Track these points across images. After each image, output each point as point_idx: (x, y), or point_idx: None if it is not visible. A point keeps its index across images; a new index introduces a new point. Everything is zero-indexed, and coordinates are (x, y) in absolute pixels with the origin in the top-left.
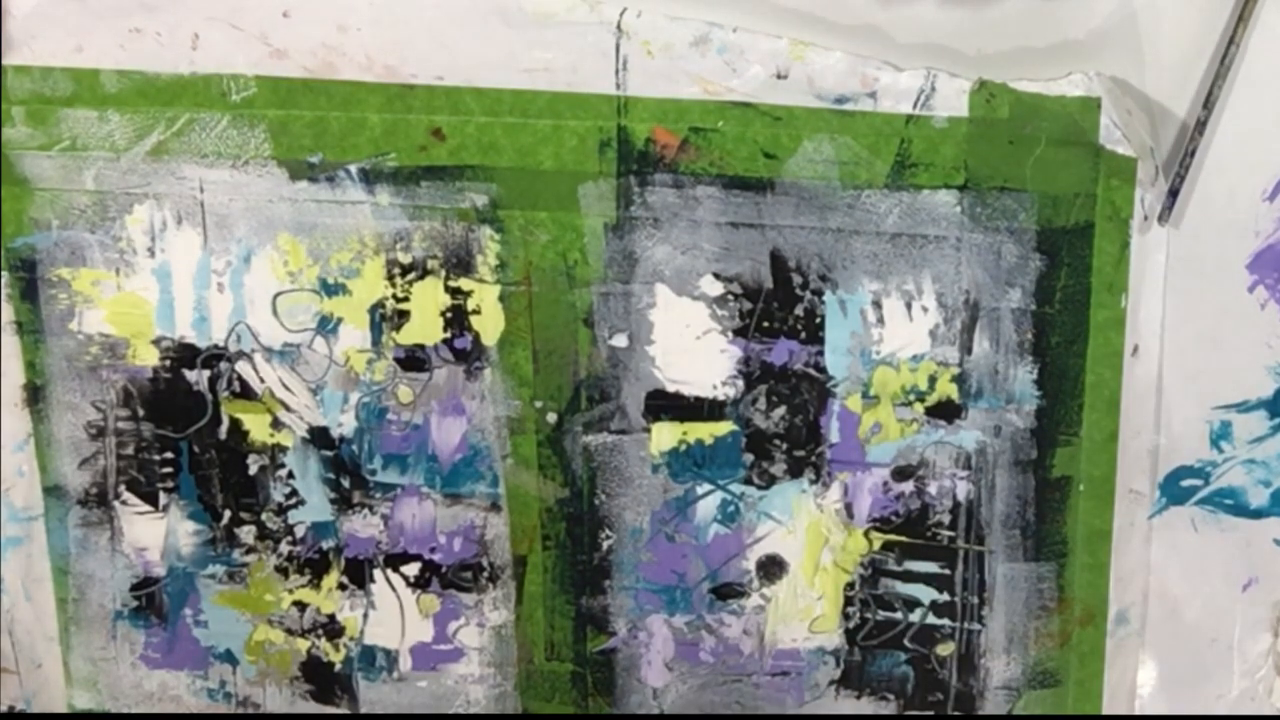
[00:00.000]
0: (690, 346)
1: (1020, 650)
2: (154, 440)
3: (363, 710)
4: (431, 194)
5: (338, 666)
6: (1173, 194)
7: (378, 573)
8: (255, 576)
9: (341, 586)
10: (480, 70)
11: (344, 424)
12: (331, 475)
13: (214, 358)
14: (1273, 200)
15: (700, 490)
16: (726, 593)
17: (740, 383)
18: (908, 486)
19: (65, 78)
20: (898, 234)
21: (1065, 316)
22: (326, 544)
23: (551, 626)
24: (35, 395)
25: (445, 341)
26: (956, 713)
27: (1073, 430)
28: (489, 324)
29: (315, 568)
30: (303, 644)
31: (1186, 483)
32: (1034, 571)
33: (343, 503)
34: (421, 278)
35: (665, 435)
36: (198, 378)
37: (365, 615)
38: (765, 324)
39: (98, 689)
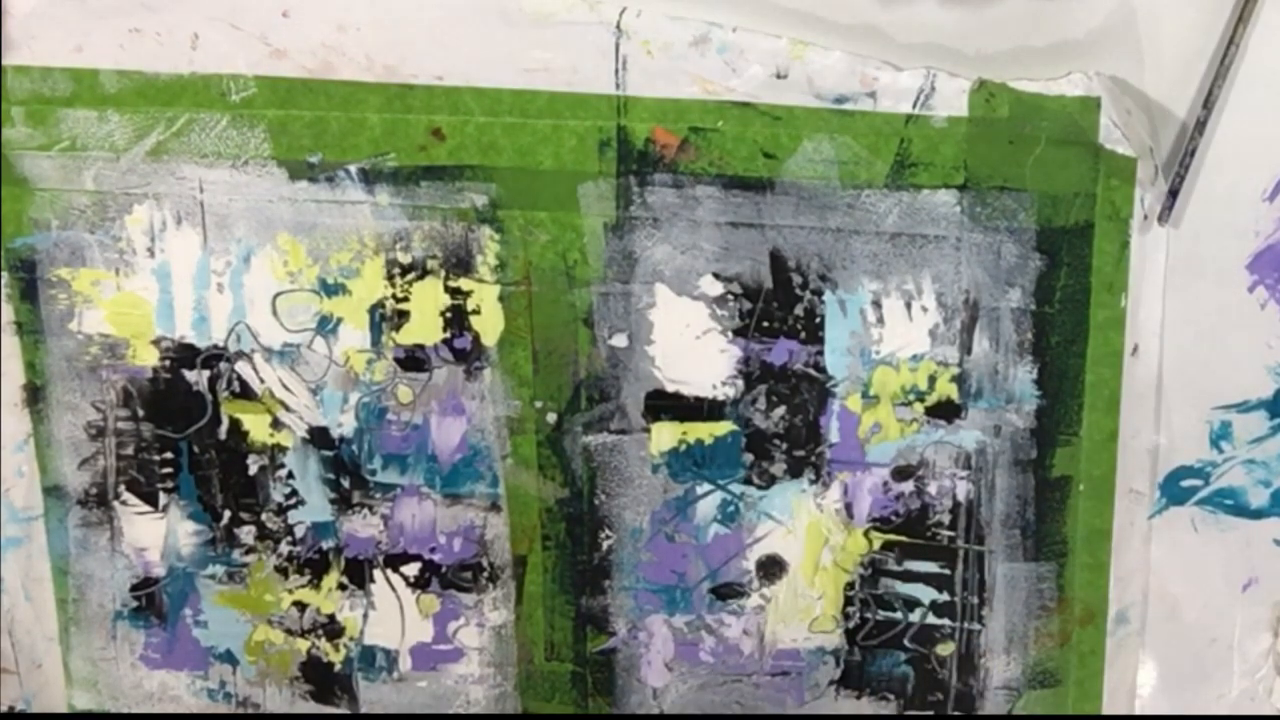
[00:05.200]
0: (690, 346)
1: (1020, 650)
2: (154, 440)
3: (363, 710)
4: (431, 194)
5: (338, 666)
6: (1173, 194)
7: (378, 573)
8: (255, 577)
9: (341, 587)
10: (480, 70)
11: (344, 424)
12: (331, 475)
13: (214, 358)
14: (1273, 200)
15: (700, 490)
16: (726, 593)
17: (740, 383)
18: (907, 486)
19: (65, 78)
20: (897, 234)
21: (1065, 316)
22: (326, 544)
23: (551, 626)
24: (35, 395)
25: (445, 341)
26: (956, 713)
27: (1072, 430)
28: (489, 324)
29: (315, 568)
30: (303, 644)
31: (1186, 483)
32: (1034, 571)
33: (343, 503)
34: (421, 278)
35: (665, 435)
36: (197, 378)
37: (365, 615)
38: (765, 324)
39: (98, 689)
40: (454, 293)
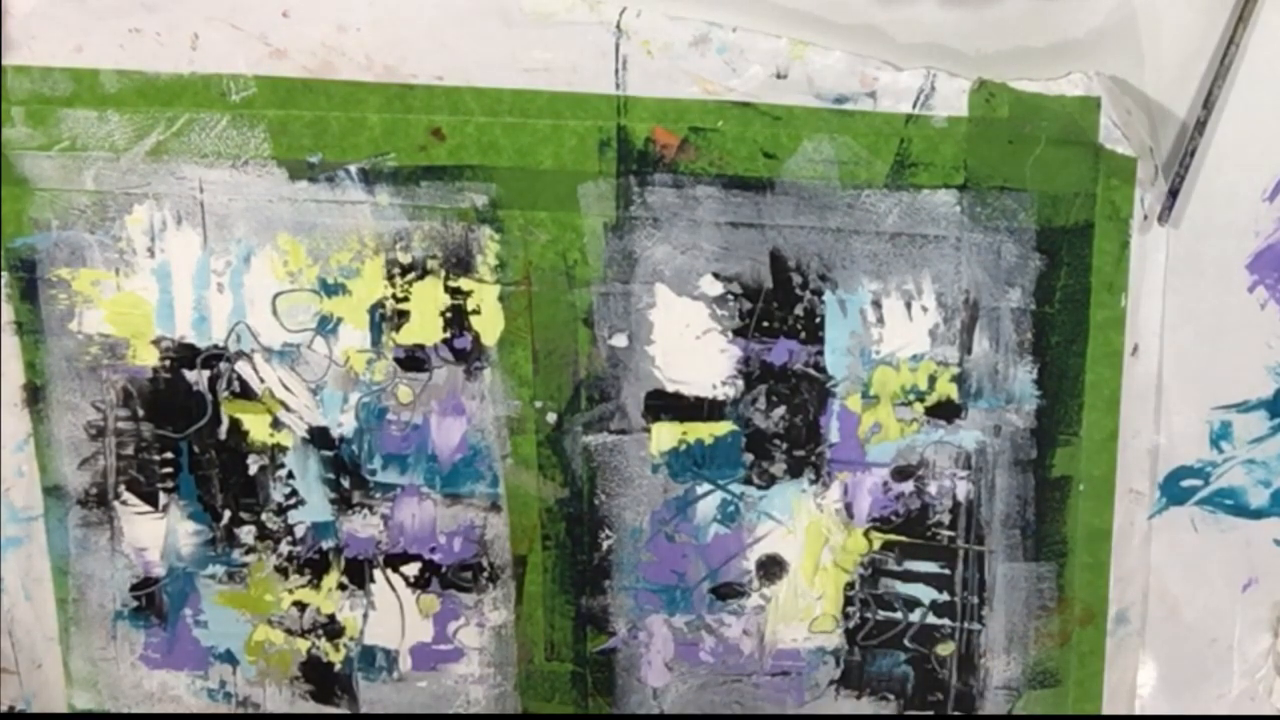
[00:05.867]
0: (690, 346)
1: (1020, 650)
2: (154, 440)
3: (363, 710)
4: (431, 194)
5: (338, 666)
6: (1172, 194)
7: (378, 573)
8: (255, 576)
9: (341, 587)
10: (480, 70)
11: (344, 424)
12: (331, 475)
13: (214, 358)
14: (1273, 200)
15: (700, 490)
16: (726, 593)
17: (740, 382)
18: (907, 486)
19: (65, 78)
20: (897, 234)
21: (1065, 316)
22: (326, 544)
23: (551, 626)
24: (35, 395)
25: (445, 341)
26: (956, 713)
27: (1072, 430)
28: (489, 324)
29: (315, 568)
30: (303, 644)
31: (1186, 483)
32: (1034, 571)
33: (343, 503)
34: (421, 278)
35: (665, 435)
36: (197, 378)
37: (365, 615)
38: (765, 324)
39: (98, 689)
40: (454, 293)
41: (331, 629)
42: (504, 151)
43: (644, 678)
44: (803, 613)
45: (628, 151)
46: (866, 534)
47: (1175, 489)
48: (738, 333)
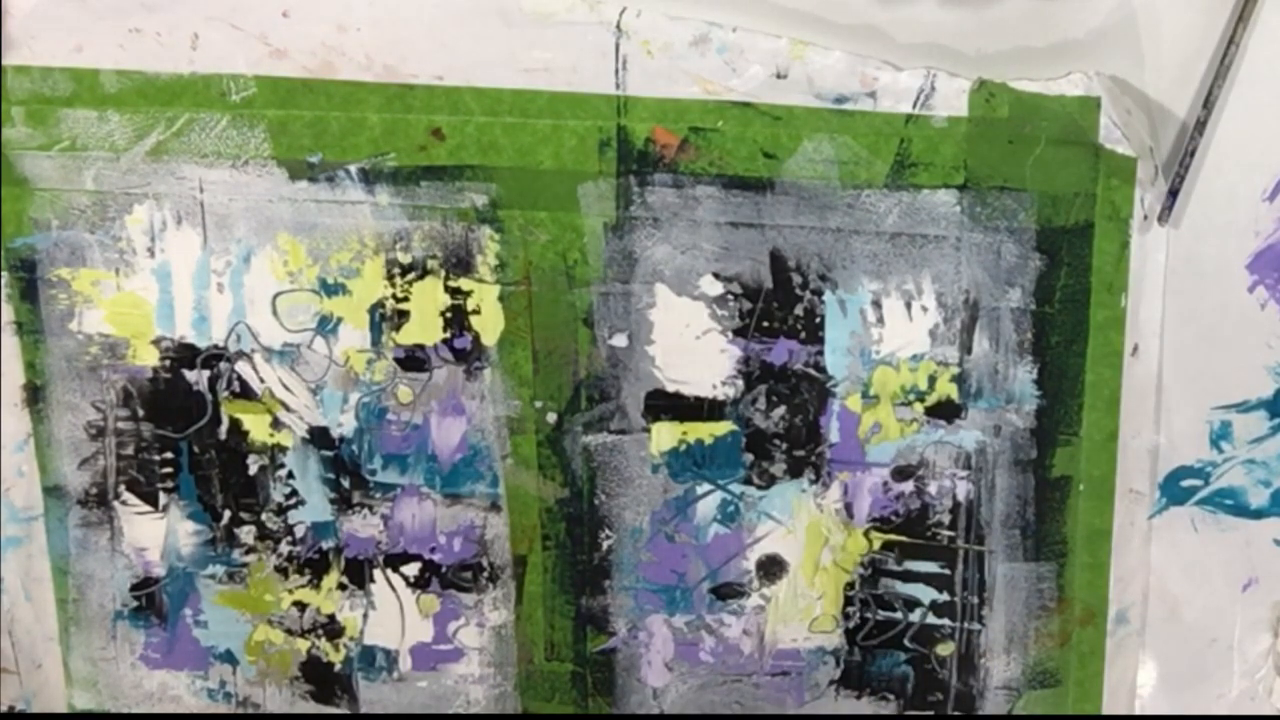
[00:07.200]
0: (690, 346)
1: (1020, 650)
2: (154, 440)
3: (363, 710)
4: (431, 194)
5: (338, 666)
6: (1172, 194)
7: (377, 573)
8: (255, 576)
9: (341, 586)
10: (480, 70)
11: (344, 424)
12: (331, 475)
13: (214, 358)
14: (1273, 200)
15: (700, 490)
16: (726, 593)
17: (740, 382)
18: (907, 486)
19: (65, 78)
20: (897, 234)
21: (1065, 316)
22: (326, 544)
23: (551, 626)
24: (35, 395)
25: (445, 341)
26: (956, 713)
27: (1072, 430)
28: (489, 324)
29: (315, 568)
30: (303, 644)
31: (1186, 483)
32: (1034, 571)
33: (343, 503)
34: (421, 278)
35: (665, 435)
36: (197, 378)
37: (365, 615)
38: (765, 324)
39: (98, 689)
40: (454, 293)
41: (331, 629)
42: (504, 151)
43: (644, 678)
44: (803, 613)
45: (628, 151)
46: (866, 534)
47: (1175, 489)
48: (738, 333)
